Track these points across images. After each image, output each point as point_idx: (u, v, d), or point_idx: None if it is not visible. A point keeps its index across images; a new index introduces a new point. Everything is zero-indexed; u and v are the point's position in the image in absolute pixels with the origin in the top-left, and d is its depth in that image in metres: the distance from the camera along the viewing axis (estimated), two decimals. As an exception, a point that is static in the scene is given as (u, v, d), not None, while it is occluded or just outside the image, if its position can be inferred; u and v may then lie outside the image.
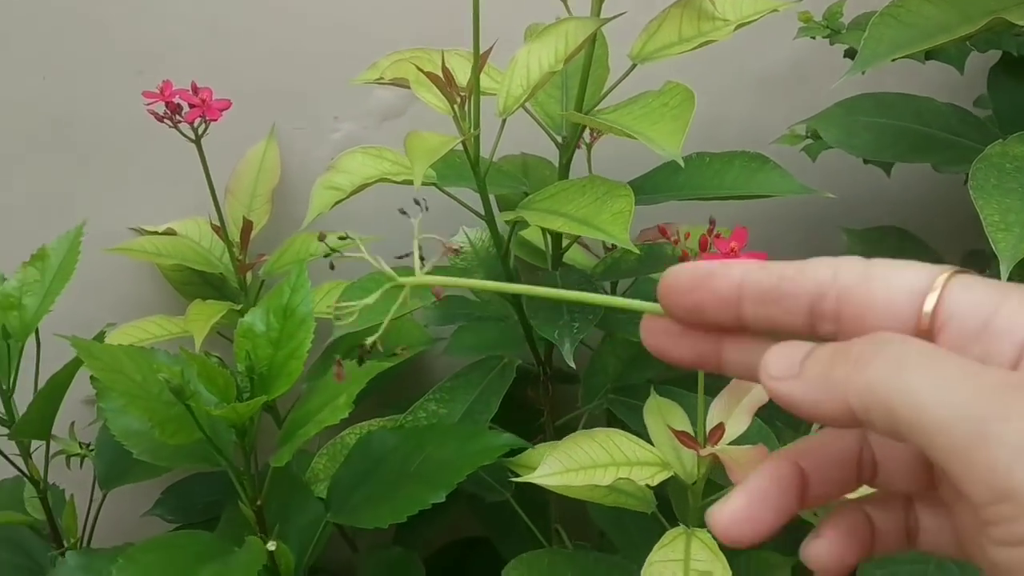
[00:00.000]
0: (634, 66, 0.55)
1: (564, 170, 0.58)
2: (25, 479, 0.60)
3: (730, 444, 0.47)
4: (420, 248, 0.26)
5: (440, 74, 0.50)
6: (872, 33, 0.50)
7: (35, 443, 0.59)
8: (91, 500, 0.63)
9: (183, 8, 0.68)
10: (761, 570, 0.59)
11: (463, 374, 0.61)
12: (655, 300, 0.24)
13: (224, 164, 0.68)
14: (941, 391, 0.19)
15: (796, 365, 0.22)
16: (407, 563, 0.66)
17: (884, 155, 0.60)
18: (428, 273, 0.25)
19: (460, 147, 0.51)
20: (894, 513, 0.24)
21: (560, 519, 0.66)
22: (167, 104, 0.59)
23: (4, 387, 0.56)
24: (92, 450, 0.62)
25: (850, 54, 0.63)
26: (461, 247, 0.64)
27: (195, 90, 0.59)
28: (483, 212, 0.56)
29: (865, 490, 0.25)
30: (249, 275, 0.68)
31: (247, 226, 0.66)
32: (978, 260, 0.67)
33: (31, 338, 0.57)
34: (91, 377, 0.53)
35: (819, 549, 0.24)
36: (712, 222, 0.42)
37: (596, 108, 0.56)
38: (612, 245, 0.66)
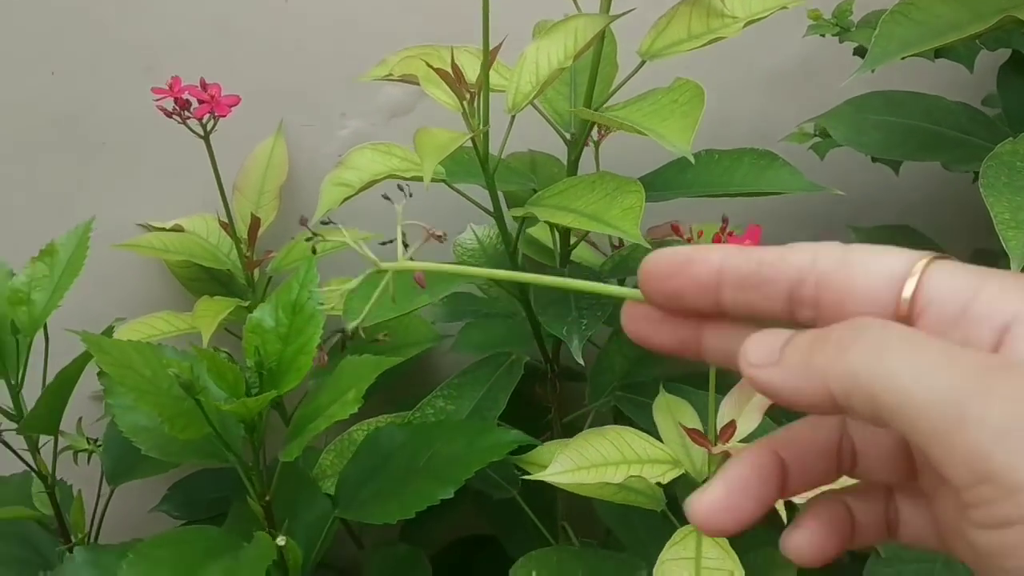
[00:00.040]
0: (643, 63, 0.54)
1: (573, 167, 0.58)
2: (33, 474, 0.60)
3: (740, 442, 0.47)
4: (404, 235, 0.26)
5: (450, 70, 0.50)
6: (883, 31, 0.50)
7: (43, 438, 0.59)
8: (98, 496, 0.63)
9: (190, 5, 0.68)
10: (767, 568, 0.59)
11: (471, 371, 0.61)
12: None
13: (232, 161, 0.68)
14: (922, 374, 0.19)
15: (776, 352, 0.22)
16: (413, 560, 0.66)
17: (893, 153, 0.60)
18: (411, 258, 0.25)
19: (469, 144, 0.51)
20: (874, 504, 0.24)
21: (566, 516, 0.66)
22: (176, 100, 0.59)
23: (13, 382, 0.56)
24: (99, 446, 0.62)
25: (860, 52, 0.63)
26: (469, 241, 0.64)
27: (204, 86, 0.59)
28: (492, 209, 0.56)
29: (846, 481, 0.25)
30: (256, 271, 0.68)
31: (255, 223, 0.67)
32: (986, 259, 0.66)
33: (39, 333, 0.57)
34: (99, 373, 0.54)
35: (799, 540, 0.24)
36: (725, 220, 0.42)
37: (605, 105, 0.56)
38: (619, 243, 0.66)
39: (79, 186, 0.71)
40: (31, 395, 0.57)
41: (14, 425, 0.56)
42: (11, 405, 0.57)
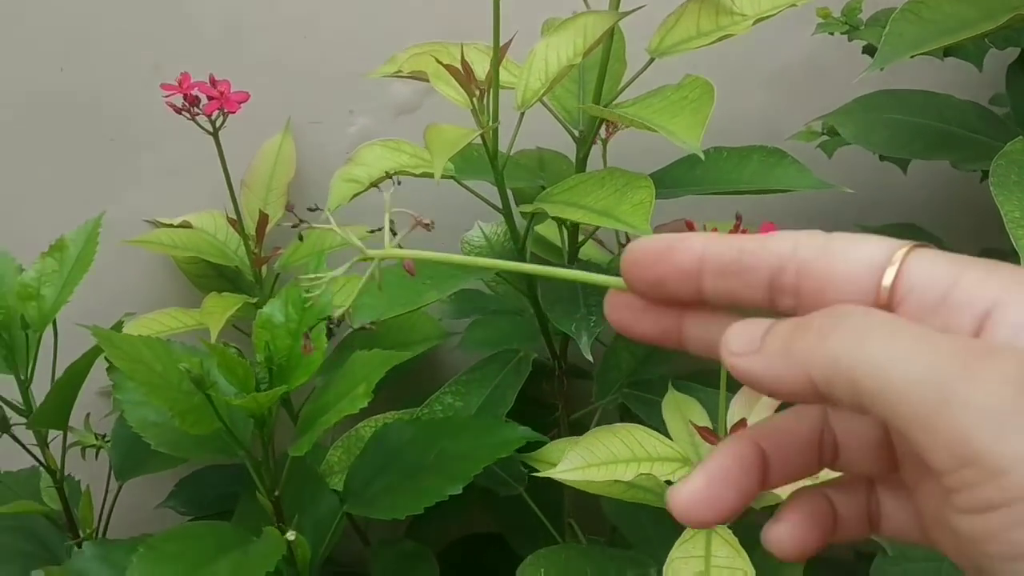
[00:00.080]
0: (652, 60, 0.54)
1: (581, 164, 0.58)
2: (41, 469, 0.60)
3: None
4: (393, 224, 0.26)
5: (459, 67, 0.50)
6: (893, 29, 0.50)
7: (52, 433, 0.59)
8: (106, 491, 0.63)
9: (199, 2, 0.68)
10: (775, 566, 0.59)
11: (479, 367, 0.61)
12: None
13: (239, 158, 0.68)
14: (903, 359, 0.19)
15: (757, 340, 0.21)
16: (420, 557, 0.66)
17: (902, 152, 0.60)
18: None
19: (478, 141, 0.52)
20: (856, 497, 0.24)
21: (572, 514, 0.66)
22: (186, 96, 0.59)
23: (22, 377, 0.56)
24: (107, 441, 0.62)
25: (868, 51, 0.63)
26: (477, 238, 0.64)
27: (213, 83, 0.59)
28: (501, 205, 0.56)
29: (829, 475, 0.25)
30: (264, 268, 0.68)
31: (263, 219, 0.67)
32: (995, 258, 0.66)
33: (48, 328, 0.57)
34: (108, 368, 0.54)
35: (780, 533, 0.24)
36: (739, 217, 0.42)
37: (614, 102, 0.56)
38: (627, 240, 0.67)
39: (88, 182, 0.71)
40: (39, 390, 0.57)
41: (24, 420, 0.57)
42: (20, 400, 0.57)
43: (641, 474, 0.49)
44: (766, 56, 0.74)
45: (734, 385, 0.47)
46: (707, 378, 0.55)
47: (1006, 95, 0.62)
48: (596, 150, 0.64)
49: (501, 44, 0.50)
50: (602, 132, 0.63)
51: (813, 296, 0.21)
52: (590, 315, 0.52)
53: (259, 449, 0.49)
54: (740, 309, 0.23)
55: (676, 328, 0.24)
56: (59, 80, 0.69)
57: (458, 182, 0.55)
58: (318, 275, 0.27)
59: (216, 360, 0.46)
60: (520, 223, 0.58)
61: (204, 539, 0.48)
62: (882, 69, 0.51)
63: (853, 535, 0.24)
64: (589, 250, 0.68)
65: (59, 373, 0.56)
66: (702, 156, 0.46)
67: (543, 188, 0.56)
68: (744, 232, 0.41)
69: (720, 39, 0.53)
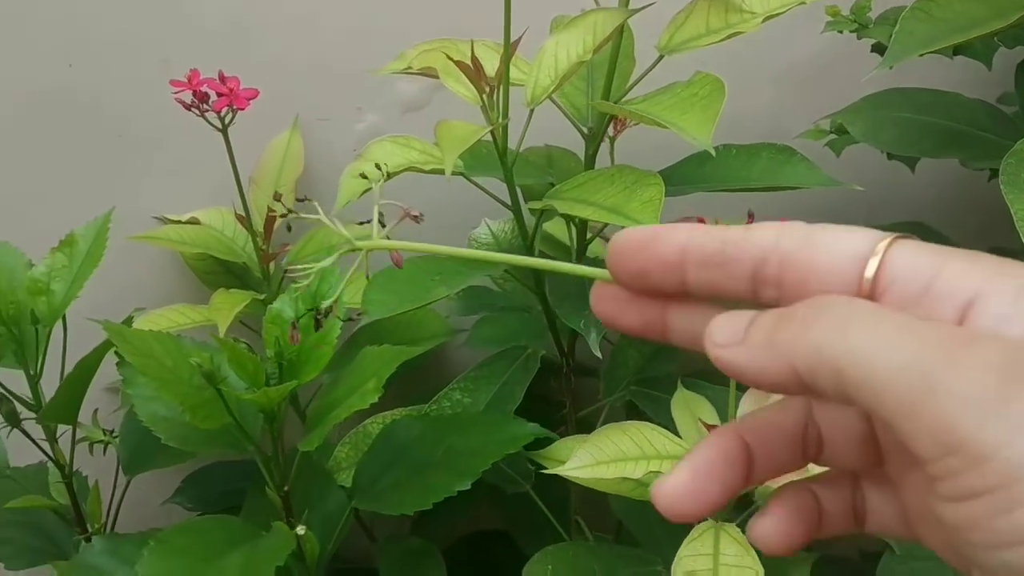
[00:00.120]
0: (661, 57, 0.55)
1: (590, 161, 0.58)
2: (49, 464, 0.60)
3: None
4: (382, 215, 0.26)
5: (469, 63, 0.50)
6: (903, 27, 0.50)
7: (60, 428, 0.59)
8: (114, 486, 0.63)
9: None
10: (783, 564, 0.59)
11: (487, 364, 0.61)
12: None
13: (246, 155, 0.68)
14: (886, 347, 0.19)
15: (740, 332, 0.21)
16: (426, 553, 0.66)
17: (911, 150, 0.60)
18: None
19: (487, 137, 0.52)
20: (841, 492, 0.24)
21: (578, 511, 0.66)
22: (195, 93, 0.59)
23: (32, 372, 0.56)
24: (116, 436, 0.62)
25: (878, 49, 0.63)
26: (484, 236, 0.64)
27: (223, 79, 0.59)
28: (509, 202, 0.56)
29: (816, 471, 0.25)
30: (272, 265, 0.68)
31: (271, 216, 0.67)
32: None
33: (57, 324, 0.57)
34: (118, 363, 0.54)
35: (766, 527, 0.24)
36: (751, 215, 0.42)
37: (623, 99, 0.56)
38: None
39: (96, 178, 0.72)
40: (47, 386, 0.57)
41: (33, 414, 0.57)
42: (30, 395, 0.57)
43: (650, 472, 0.49)
44: (775, 54, 0.74)
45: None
46: (716, 376, 0.55)
47: (1015, 94, 0.62)
48: (603, 148, 0.64)
49: (511, 41, 0.50)
50: (609, 130, 0.64)
51: (796, 287, 0.21)
52: (599, 312, 0.52)
53: (269, 444, 0.49)
54: (723, 301, 0.23)
55: (660, 320, 0.24)
56: (67, 77, 0.69)
57: (467, 178, 0.55)
58: (307, 265, 0.27)
59: (226, 355, 0.46)
60: (529, 220, 0.58)
61: (214, 533, 0.48)
62: (891, 67, 0.51)
63: (839, 530, 0.24)
64: (597, 248, 0.68)
65: (68, 368, 0.56)
66: (713, 152, 0.46)
67: (551, 185, 0.56)
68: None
69: (729, 36, 0.53)
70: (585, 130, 0.58)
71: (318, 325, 0.28)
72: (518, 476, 0.63)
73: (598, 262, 0.67)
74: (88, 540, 0.56)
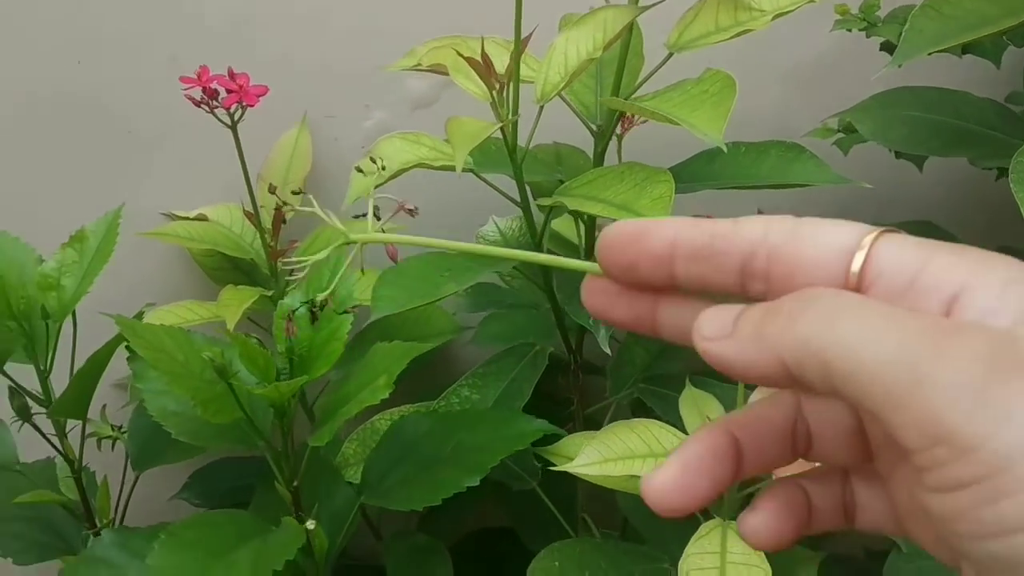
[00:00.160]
0: (670, 55, 0.55)
1: (599, 158, 0.58)
2: (58, 459, 0.61)
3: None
4: (377, 208, 0.26)
5: (479, 60, 0.50)
6: (913, 25, 0.50)
7: (70, 423, 0.59)
8: (122, 482, 0.63)
9: (216, -5, 0.69)
10: (790, 564, 0.59)
11: (496, 360, 0.61)
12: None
13: (254, 152, 0.68)
14: (873, 339, 0.19)
15: (729, 325, 0.21)
16: (432, 550, 0.66)
17: (920, 149, 0.60)
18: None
19: (497, 134, 0.52)
20: (830, 488, 0.24)
21: (585, 508, 0.66)
22: (204, 89, 0.59)
23: (42, 367, 0.56)
24: (124, 432, 0.62)
25: (887, 47, 0.63)
26: (491, 233, 0.64)
27: (232, 76, 0.60)
28: (519, 199, 0.56)
29: (806, 467, 0.25)
30: (280, 261, 0.68)
31: (279, 212, 0.67)
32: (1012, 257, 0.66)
33: (67, 319, 0.58)
34: (128, 358, 0.54)
35: (756, 523, 0.24)
36: (759, 213, 0.42)
37: (632, 96, 0.56)
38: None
39: (104, 174, 0.72)
40: (57, 381, 0.57)
41: (43, 409, 0.57)
42: (40, 390, 0.57)
43: (658, 468, 0.49)
44: (783, 52, 0.74)
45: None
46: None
47: (1023, 93, 0.62)
48: (610, 147, 0.64)
49: (522, 37, 0.50)
50: (617, 128, 0.64)
51: (783, 281, 0.21)
52: (608, 309, 0.52)
53: (279, 439, 0.49)
54: (712, 295, 0.23)
55: (650, 313, 0.24)
56: (76, 74, 0.69)
57: (477, 175, 0.55)
58: (301, 259, 0.27)
59: (238, 350, 0.46)
60: (538, 217, 0.58)
61: (224, 527, 0.48)
62: (900, 65, 0.51)
63: (829, 526, 0.24)
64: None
65: (78, 363, 0.56)
66: (724, 148, 0.46)
67: (560, 182, 0.56)
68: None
69: (739, 34, 0.53)
70: (594, 127, 0.58)
71: (314, 318, 0.28)
72: (525, 473, 0.63)
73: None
74: (97, 535, 0.56)
